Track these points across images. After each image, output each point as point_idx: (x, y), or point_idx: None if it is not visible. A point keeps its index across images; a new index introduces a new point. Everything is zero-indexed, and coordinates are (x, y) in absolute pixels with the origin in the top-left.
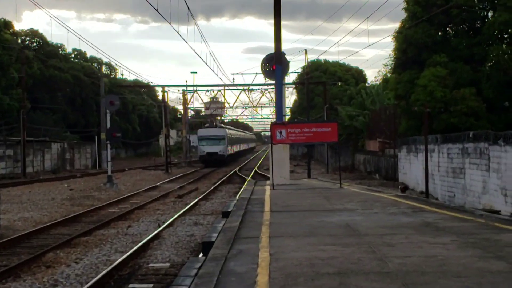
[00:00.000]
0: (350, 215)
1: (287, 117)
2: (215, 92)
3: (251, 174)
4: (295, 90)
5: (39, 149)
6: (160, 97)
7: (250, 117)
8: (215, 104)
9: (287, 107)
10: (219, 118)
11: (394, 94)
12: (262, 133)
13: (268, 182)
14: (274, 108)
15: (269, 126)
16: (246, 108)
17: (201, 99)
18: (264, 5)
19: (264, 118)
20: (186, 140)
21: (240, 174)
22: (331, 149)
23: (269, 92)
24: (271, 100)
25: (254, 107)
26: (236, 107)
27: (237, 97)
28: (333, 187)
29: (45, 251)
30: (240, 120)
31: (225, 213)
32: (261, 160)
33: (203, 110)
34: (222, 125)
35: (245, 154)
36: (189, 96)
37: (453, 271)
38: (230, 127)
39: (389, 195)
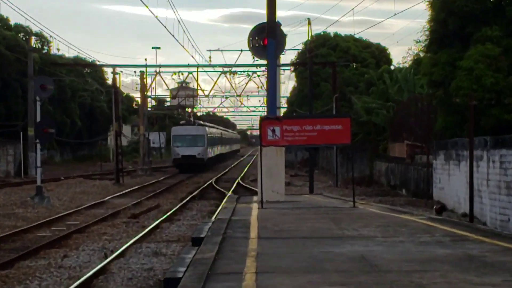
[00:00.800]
0: (366, 245)
1: (282, 110)
2: (185, 75)
3: (233, 186)
4: (293, 74)
5: None
6: (109, 81)
7: (232, 110)
8: (185, 91)
9: (283, 97)
10: (189, 110)
11: (429, 80)
12: (249, 132)
13: (255, 198)
14: (265, 98)
15: (257, 122)
16: (227, 98)
17: (166, 85)
18: None
19: (252, 111)
20: (144, 139)
21: (218, 187)
22: (341, 154)
23: (258, 76)
24: (261, 87)
25: (238, 96)
26: (214, 96)
27: (215, 82)
28: (343, 206)
29: None
30: (218, 114)
31: (197, 240)
32: (246, 168)
33: (168, 99)
34: (201, 122)
35: (226, 159)
36: (149, 80)
37: None
38: (211, 125)
39: (419, 218)
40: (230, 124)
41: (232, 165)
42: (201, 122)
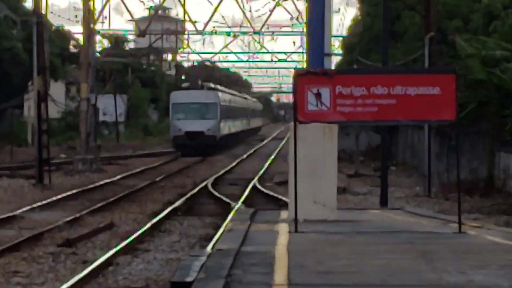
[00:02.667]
0: None
1: (335, 60)
2: None
3: (245, 193)
4: None
5: None
6: (29, 3)
7: (245, 58)
8: (162, 24)
9: (336, 37)
10: (169, 58)
11: None
12: (273, 97)
13: (284, 214)
14: (306, 37)
15: (289, 80)
16: (236, 36)
17: (129, 12)
18: None
19: (279, 66)
20: (89, 107)
21: (217, 194)
22: (438, 139)
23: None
24: (296, 19)
25: (256, 34)
26: (213, 33)
27: (216, 9)
28: (441, 230)
29: None
30: (219, 65)
31: (178, 286)
32: (268, 160)
33: (132, 37)
34: (212, 85)
35: (240, 141)
36: (99, 3)
37: None
38: (225, 89)
39: None
40: (242, 84)
41: (245, 156)
42: (212, 85)
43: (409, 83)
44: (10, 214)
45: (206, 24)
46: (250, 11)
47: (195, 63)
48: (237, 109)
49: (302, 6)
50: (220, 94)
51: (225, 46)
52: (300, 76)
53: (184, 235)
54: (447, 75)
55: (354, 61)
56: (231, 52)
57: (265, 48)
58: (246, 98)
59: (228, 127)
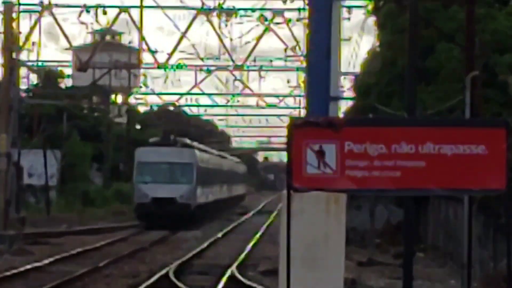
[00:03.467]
0: None
1: (344, 106)
2: (112, 14)
3: (219, 286)
4: (372, 20)
5: None
6: None
7: (224, 106)
8: (109, 53)
9: (346, 74)
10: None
11: None
12: (259, 156)
13: None
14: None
15: (281, 133)
16: (209, 73)
17: (65, 36)
18: None
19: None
20: (9, 165)
21: (182, 286)
22: (482, 216)
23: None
24: (292, 50)
25: (238, 69)
26: (180, 67)
27: (182, 37)
28: None
29: None
30: (191, 114)
31: None
32: (253, 240)
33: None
34: (188, 141)
35: (221, 211)
36: (25, 23)
37: None
38: (201, 146)
39: None
40: (217, 136)
41: (220, 234)
42: (188, 141)
43: (444, 139)
44: None
45: (170, 55)
46: (231, 38)
47: (154, 108)
48: (217, 171)
49: (301, 32)
50: (197, 152)
51: (196, 86)
52: (297, 128)
53: None
54: (495, 130)
55: (370, 109)
56: (204, 94)
57: (250, 89)
58: (226, 158)
59: (205, 194)
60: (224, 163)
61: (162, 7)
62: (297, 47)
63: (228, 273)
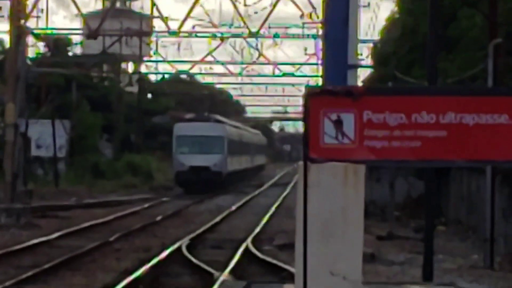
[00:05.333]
0: None
1: (362, 74)
2: None
3: (233, 260)
4: None
5: None
6: None
7: (238, 74)
8: (120, 21)
9: (365, 42)
10: (129, 69)
11: None
12: (275, 127)
13: None
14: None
15: (297, 102)
16: (225, 40)
17: (75, 4)
18: None
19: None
20: (16, 136)
21: (193, 261)
22: (506, 189)
23: None
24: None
25: (252, 36)
26: (193, 35)
27: (195, 3)
28: None
29: None
30: (204, 82)
31: None
32: (268, 214)
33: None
34: (219, 117)
35: (247, 178)
36: None
37: None
38: (231, 122)
39: None
40: (232, 106)
41: (233, 207)
42: (219, 117)
43: (466, 108)
44: None
45: (182, 22)
46: (245, 4)
47: (166, 76)
48: (243, 144)
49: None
50: (226, 127)
51: (209, 54)
52: (314, 97)
53: None
54: None
55: (390, 77)
56: (217, 62)
57: (265, 57)
58: (250, 132)
59: (234, 163)
60: (248, 136)
61: None
62: (313, 14)
63: (243, 247)
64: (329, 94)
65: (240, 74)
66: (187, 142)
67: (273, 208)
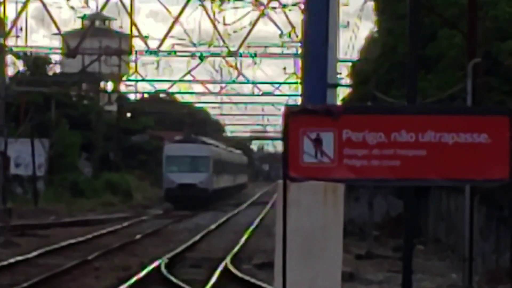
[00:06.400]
0: None
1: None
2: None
3: (212, 279)
4: (372, 4)
5: None
6: None
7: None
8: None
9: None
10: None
11: None
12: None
13: None
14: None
15: (276, 121)
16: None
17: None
18: None
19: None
20: None
21: (172, 280)
22: (484, 208)
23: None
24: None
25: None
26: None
27: (175, 22)
28: None
29: None
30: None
31: None
32: (247, 232)
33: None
34: (205, 139)
35: (230, 196)
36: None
37: None
38: (215, 142)
39: None
40: (211, 125)
41: (213, 226)
42: (204, 138)
43: (445, 127)
44: None
45: (162, 41)
46: (224, 24)
47: (146, 95)
48: (227, 163)
49: (297, 18)
50: (212, 147)
51: (188, 73)
52: (293, 116)
53: None
54: (498, 118)
55: (369, 97)
56: (196, 81)
57: (244, 76)
58: (233, 152)
59: (219, 181)
60: (232, 156)
61: None
62: (293, 33)
63: (222, 266)
64: (309, 113)
65: (219, 94)
66: (176, 161)
67: (252, 227)
